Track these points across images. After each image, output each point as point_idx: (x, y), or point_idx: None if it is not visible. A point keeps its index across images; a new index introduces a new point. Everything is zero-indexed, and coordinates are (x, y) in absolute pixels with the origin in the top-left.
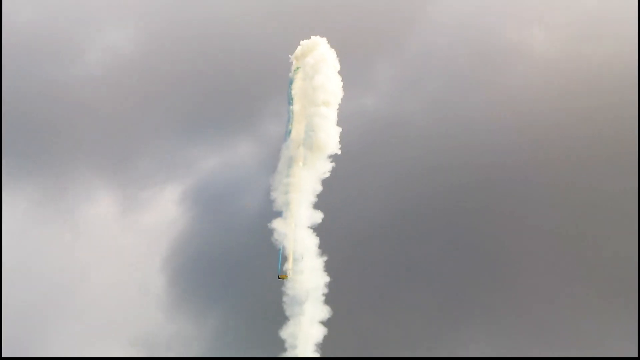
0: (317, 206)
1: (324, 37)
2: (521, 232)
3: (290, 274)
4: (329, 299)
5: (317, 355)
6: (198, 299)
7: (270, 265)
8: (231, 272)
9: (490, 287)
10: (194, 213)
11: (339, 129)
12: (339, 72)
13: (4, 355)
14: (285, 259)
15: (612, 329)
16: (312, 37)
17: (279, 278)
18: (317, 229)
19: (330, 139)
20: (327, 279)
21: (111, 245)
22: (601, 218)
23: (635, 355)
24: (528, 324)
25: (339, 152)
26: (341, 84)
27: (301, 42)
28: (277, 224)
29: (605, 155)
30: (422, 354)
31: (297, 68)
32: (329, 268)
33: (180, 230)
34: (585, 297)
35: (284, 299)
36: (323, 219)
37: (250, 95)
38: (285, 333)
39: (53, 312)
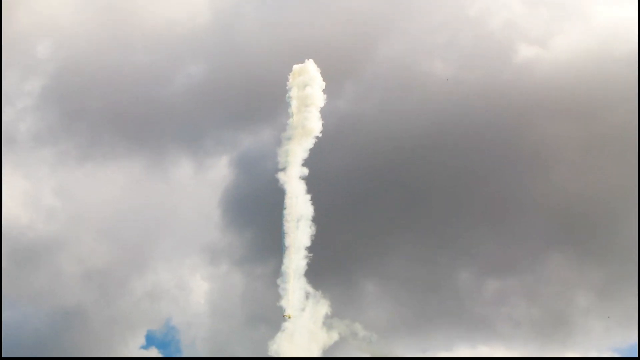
0: (304, 164)
1: (311, 59)
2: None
3: (291, 314)
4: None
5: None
6: (240, 223)
7: (279, 200)
8: (258, 206)
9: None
10: (237, 171)
11: (321, 121)
12: (321, 86)
13: (4, 355)
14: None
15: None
16: (305, 61)
17: (283, 316)
18: (305, 179)
19: (315, 126)
20: (312, 208)
21: (189, 192)
22: None
23: (635, 355)
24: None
25: (320, 135)
26: (323, 94)
27: (294, 66)
28: (281, 175)
29: None
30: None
31: (294, 82)
32: (314, 202)
33: (229, 182)
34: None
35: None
36: (309, 173)
37: (270, 99)
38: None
39: (155, 234)
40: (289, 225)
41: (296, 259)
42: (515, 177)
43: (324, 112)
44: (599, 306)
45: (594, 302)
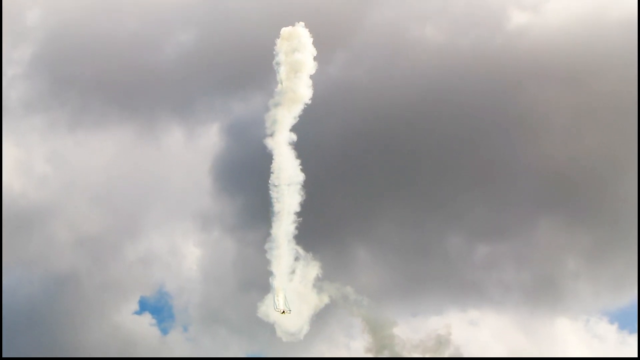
0: (292, 129)
1: (302, 22)
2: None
3: (286, 308)
4: (305, 186)
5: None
6: (231, 189)
7: (267, 166)
8: (249, 172)
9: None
10: (228, 138)
11: (311, 87)
12: (312, 52)
13: (4, 355)
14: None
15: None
16: (295, 24)
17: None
18: (294, 145)
19: (304, 93)
20: (301, 174)
21: (180, 159)
22: None
23: (635, 355)
24: None
25: (309, 101)
26: (313, 60)
27: (283, 29)
28: (269, 141)
29: None
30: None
31: (283, 47)
32: (304, 169)
33: (220, 149)
34: None
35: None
36: (298, 139)
37: (261, 65)
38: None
39: (147, 200)
40: (278, 191)
41: (285, 224)
42: (505, 143)
43: (314, 79)
44: (589, 270)
45: (584, 266)
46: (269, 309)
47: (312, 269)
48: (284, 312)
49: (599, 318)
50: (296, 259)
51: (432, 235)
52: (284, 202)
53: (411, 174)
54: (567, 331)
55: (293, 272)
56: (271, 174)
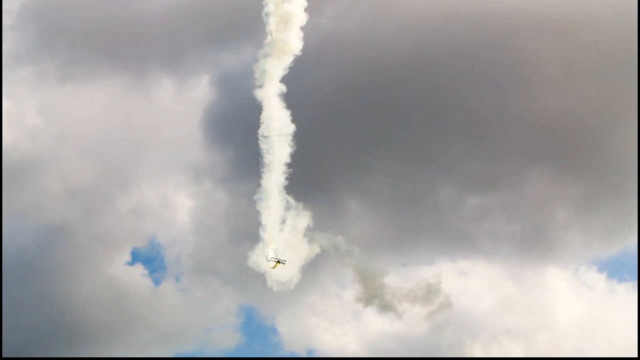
0: (282, 81)
1: None
2: None
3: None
4: (295, 137)
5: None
6: (222, 141)
7: (258, 118)
8: (240, 124)
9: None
10: (219, 90)
11: (301, 39)
12: (302, 2)
13: (4, 355)
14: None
15: None
16: None
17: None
18: (284, 96)
19: (294, 44)
20: (292, 125)
21: (171, 111)
22: None
23: (635, 355)
24: None
25: (300, 53)
26: (304, 12)
27: None
28: (258, 92)
29: None
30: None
31: None
32: (294, 120)
33: (210, 100)
34: None
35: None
36: (289, 90)
37: (253, 16)
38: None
39: (138, 152)
40: (268, 142)
41: (276, 175)
42: (496, 94)
43: (305, 30)
44: (578, 220)
45: (574, 216)
46: (259, 259)
47: (303, 219)
48: (279, 262)
49: (588, 267)
50: (287, 208)
51: (422, 187)
52: (274, 153)
53: (402, 125)
54: (557, 280)
55: (284, 222)
56: (260, 125)
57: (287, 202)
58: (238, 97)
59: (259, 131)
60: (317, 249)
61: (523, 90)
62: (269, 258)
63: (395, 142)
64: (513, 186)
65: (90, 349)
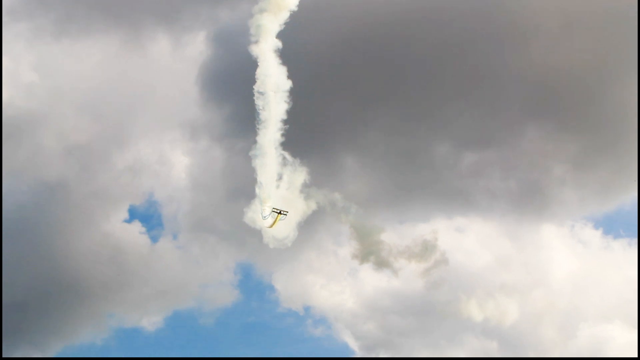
0: (279, 36)
1: None
2: None
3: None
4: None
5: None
6: (219, 98)
7: (253, 73)
8: (236, 81)
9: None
10: (215, 47)
11: None
12: None
13: (4, 355)
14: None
15: None
16: None
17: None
18: (278, 51)
19: (290, 1)
20: (288, 81)
21: (167, 68)
22: None
23: (635, 355)
24: None
25: (296, 8)
26: None
27: None
28: (253, 48)
29: None
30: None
31: None
32: (290, 76)
33: (206, 57)
34: None
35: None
36: (284, 46)
37: None
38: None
39: (134, 109)
40: (264, 98)
41: (272, 132)
42: (493, 50)
43: None
44: (574, 177)
45: (570, 173)
46: (255, 216)
47: (300, 175)
48: (280, 212)
49: (584, 224)
50: (283, 165)
51: (419, 143)
52: (270, 110)
53: (398, 81)
54: (553, 237)
55: (280, 178)
56: (256, 81)
57: (284, 158)
58: (234, 53)
59: (254, 87)
60: (313, 206)
61: (520, 46)
62: (265, 215)
63: (392, 98)
64: (509, 143)
65: (87, 305)
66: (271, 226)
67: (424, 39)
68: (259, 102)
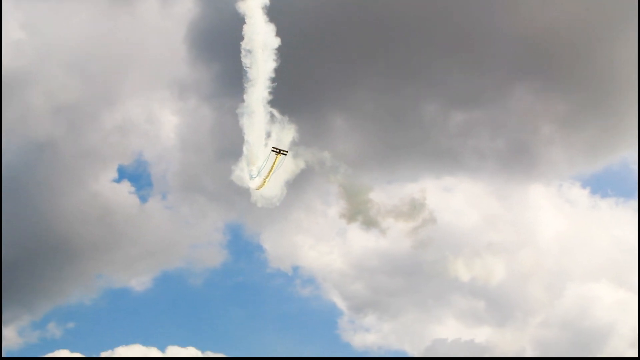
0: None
1: None
2: None
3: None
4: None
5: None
6: (207, 57)
7: (241, 30)
8: (225, 39)
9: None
10: (202, 4)
11: None
12: None
13: (4, 355)
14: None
15: None
16: None
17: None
18: (266, 9)
19: None
20: (276, 39)
21: (155, 26)
22: None
23: (635, 355)
24: None
25: None
26: None
27: None
28: (240, 5)
29: None
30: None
31: None
32: (279, 33)
33: (194, 15)
34: None
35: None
36: (271, 3)
37: None
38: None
39: (122, 68)
40: (251, 56)
41: (259, 90)
42: (481, 9)
43: None
44: (562, 136)
45: (558, 132)
46: (243, 174)
47: (288, 133)
48: (280, 152)
49: (571, 183)
50: (271, 122)
51: (407, 103)
52: (257, 68)
53: (387, 40)
54: (541, 196)
55: (269, 136)
56: (242, 39)
57: (272, 115)
58: (223, 11)
59: (241, 44)
60: (302, 165)
61: (509, 5)
62: (253, 175)
63: (381, 57)
64: (497, 102)
65: (76, 265)
66: (259, 187)
67: None
68: (246, 60)
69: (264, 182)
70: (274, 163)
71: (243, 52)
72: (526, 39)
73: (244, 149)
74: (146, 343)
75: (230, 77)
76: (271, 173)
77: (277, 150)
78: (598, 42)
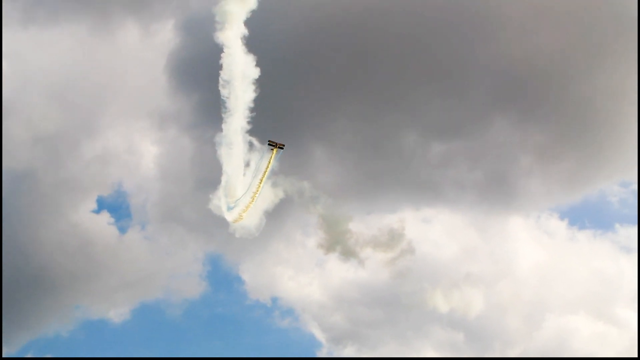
0: (246, 24)
1: None
2: None
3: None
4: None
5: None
6: (187, 87)
7: (217, 61)
8: (205, 70)
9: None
10: (183, 35)
11: None
12: None
13: (4, 355)
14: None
15: None
16: None
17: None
18: (245, 39)
19: None
20: (256, 69)
21: (135, 55)
22: None
23: (635, 355)
24: None
25: None
26: None
27: None
28: (219, 34)
29: None
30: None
31: None
32: (258, 64)
33: (174, 45)
34: None
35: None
36: (252, 34)
37: None
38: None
39: (103, 98)
40: (229, 86)
41: (238, 120)
42: (461, 40)
43: None
44: (540, 167)
45: (536, 163)
46: (221, 204)
47: (267, 161)
48: (277, 145)
49: (549, 214)
50: (251, 150)
51: (387, 133)
52: (236, 97)
53: (367, 70)
54: (519, 228)
55: (247, 165)
56: (221, 69)
57: (251, 144)
58: (203, 41)
59: (220, 75)
60: (281, 194)
61: (488, 37)
62: (230, 206)
63: (360, 88)
64: (476, 132)
65: (54, 296)
66: (236, 221)
67: (392, 28)
68: (224, 90)
69: (241, 215)
70: (270, 158)
71: (221, 82)
72: (505, 70)
73: (222, 179)
74: None
75: (211, 107)
76: (263, 179)
77: (274, 144)
78: (575, 74)
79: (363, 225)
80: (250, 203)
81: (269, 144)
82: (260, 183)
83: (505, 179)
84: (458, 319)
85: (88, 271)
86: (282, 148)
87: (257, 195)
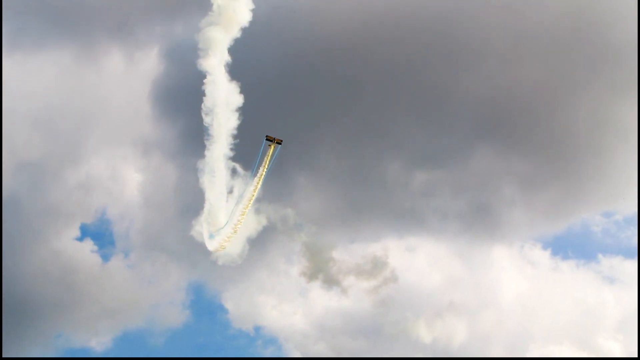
0: (230, 52)
1: None
2: None
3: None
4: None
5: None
6: (171, 115)
7: (201, 89)
8: (188, 97)
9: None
10: (166, 62)
11: (250, 10)
12: None
13: (4, 355)
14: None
15: None
16: None
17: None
18: (229, 67)
19: (242, 15)
20: (239, 97)
21: (119, 83)
22: None
23: (635, 355)
24: None
25: (248, 25)
26: None
27: None
28: (201, 61)
29: None
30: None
31: None
32: (242, 91)
33: (158, 72)
34: None
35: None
36: (235, 62)
37: None
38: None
39: (87, 125)
40: (212, 113)
41: (220, 147)
42: (444, 69)
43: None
44: (524, 197)
45: (519, 193)
46: (203, 229)
47: (250, 188)
48: (275, 140)
49: (532, 244)
50: (234, 177)
51: (370, 162)
52: (219, 125)
53: (350, 100)
54: (503, 258)
55: (230, 191)
56: (204, 97)
57: (235, 170)
58: (187, 69)
59: (203, 103)
60: (264, 221)
61: (472, 67)
62: (212, 235)
63: (343, 116)
64: (459, 162)
65: (37, 324)
66: (217, 250)
67: (376, 57)
68: (207, 117)
69: (223, 245)
70: (269, 154)
71: (204, 109)
72: (488, 100)
73: (205, 206)
74: None
75: (194, 135)
76: (265, 168)
77: (272, 139)
78: (558, 105)
79: (346, 253)
80: (232, 234)
81: (266, 139)
82: (249, 202)
83: (488, 208)
84: (441, 348)
85: (70, 299)
86: (280, 144)
87: (240, 224)
